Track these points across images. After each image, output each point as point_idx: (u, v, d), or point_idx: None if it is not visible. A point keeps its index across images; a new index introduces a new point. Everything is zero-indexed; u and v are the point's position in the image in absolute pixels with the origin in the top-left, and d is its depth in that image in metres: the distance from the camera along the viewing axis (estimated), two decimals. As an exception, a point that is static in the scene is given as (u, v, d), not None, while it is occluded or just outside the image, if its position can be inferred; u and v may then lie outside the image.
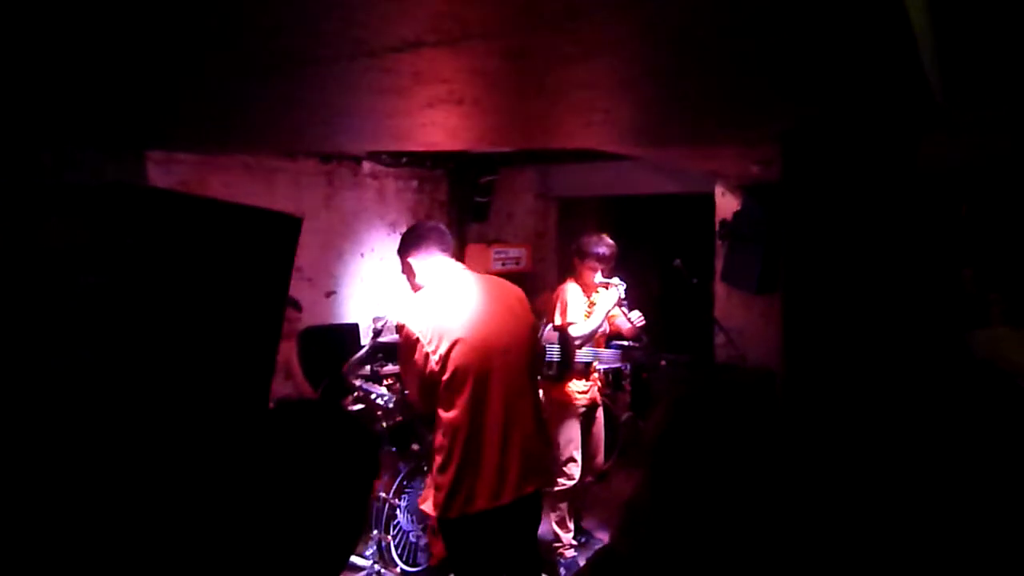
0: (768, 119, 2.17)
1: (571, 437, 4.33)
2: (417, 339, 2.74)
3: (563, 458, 4.29)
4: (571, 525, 4.43)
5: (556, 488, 4.28)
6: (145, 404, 2.11)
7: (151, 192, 2.60)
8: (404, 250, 2.99)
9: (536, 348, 3.03)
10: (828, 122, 2.26)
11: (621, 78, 1.63)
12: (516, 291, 3.02)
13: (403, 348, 2.81)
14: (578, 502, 4.52)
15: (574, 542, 4.45)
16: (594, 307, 4.33)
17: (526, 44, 1.37)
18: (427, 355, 2.72)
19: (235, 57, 1.48)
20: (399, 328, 2.80)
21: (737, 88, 1.75)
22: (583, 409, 4.38)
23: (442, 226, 3.04)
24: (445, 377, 2.73)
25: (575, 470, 4.32)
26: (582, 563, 4.32)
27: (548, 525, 4.36)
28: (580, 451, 4.35)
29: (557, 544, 4.38)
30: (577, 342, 4.21)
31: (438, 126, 2.12)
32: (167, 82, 1.67)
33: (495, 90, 1.71)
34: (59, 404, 1.98)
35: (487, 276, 3.06)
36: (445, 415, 2.77)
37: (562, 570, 4.32)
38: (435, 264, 2.93)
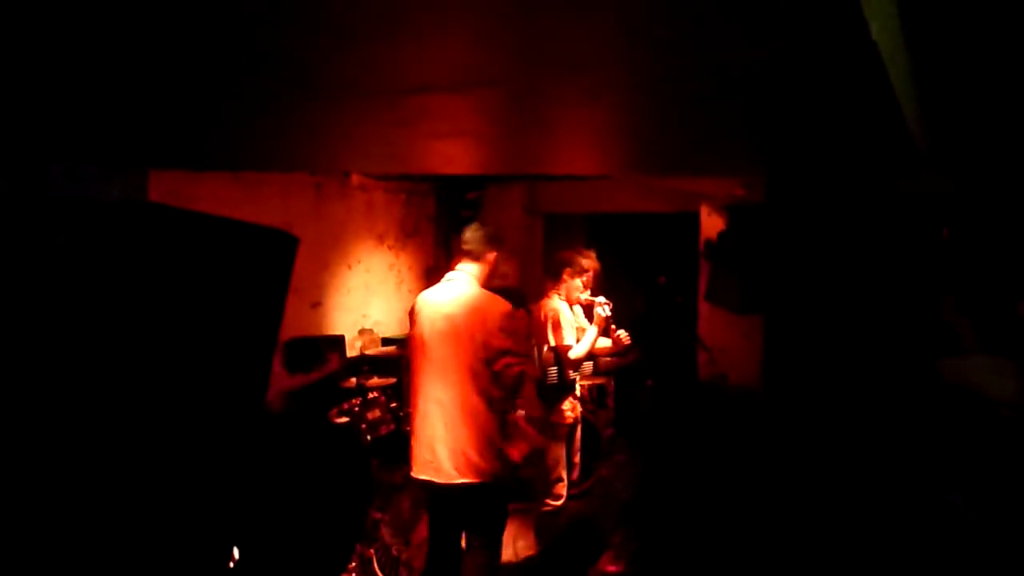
0: (754, 156, 2.24)
1: (558, 457, 4.37)
2: (408, 315, 3.30)
3: (551, 478, 4.33)
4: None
5: (544, 509, 4.33)
6: (139, 419, 2.14)
7: (153, 207, 2.63)
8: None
9: (489, 368, 3.15)
10: (811, 156, 2.34)
11: (616, 118, 1.70)
12: (492, 312, 3.13)
13: None
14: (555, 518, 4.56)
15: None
16: (581, 323, 4.40)
17: (529, 88, 1.43)
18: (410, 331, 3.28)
19: (249, 88, 1.53)
20: None
21: (724, 131, 1.82)
22: (568, 428, 4.43)
23: (479, 237, 3.26)
24: (409, 354, 3.28)
25: (563, 490, 4.36)
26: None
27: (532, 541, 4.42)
28: (566, 470, 4.40)
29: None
30: (576, 363, 4.25)
31: (439, 153, 2.18)
32: (180, 109, 1.72)
33: (497, 125, 1.78)
34: (53, 419, 2.01)
35: (475, 292, 3.21)
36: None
37: None
38: (457, 264, 3.32)
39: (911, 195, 4.28)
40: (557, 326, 4.24)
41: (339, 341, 5.84)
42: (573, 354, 4.20)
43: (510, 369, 3.18)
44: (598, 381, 5.12)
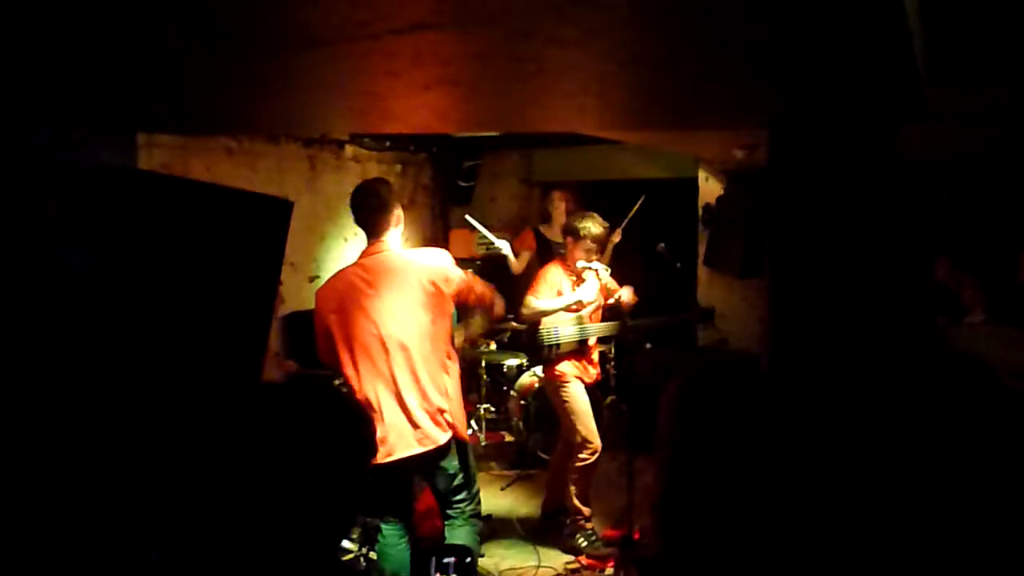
0: (757, 103, 2.20)
1: (584, 409, 4.39)
2: (320, 305, 3.22)
3: (583, 432, 4.34)
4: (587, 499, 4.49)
5: (579, 464, 4.34)
6: (136, 389, 2.11)
7: (143, 174, 2.58)
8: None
9: (438, 327, 3.25)
10: (815, 108, 2.29)
11: (616, 61, 1.65)
12: (426, 272, 3.21)
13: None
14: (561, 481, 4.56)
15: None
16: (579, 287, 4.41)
17: (527, 27, 1.38)
18: (324, 325, 3.20)
19: (234, 38, 1.48)
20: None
21: (729, 72, 1.77)
22: (587, 383, 4.48)
23: (373, 200, 3.25)
24: (336, 345, 3.20)
25: (596, 439, 4.37)
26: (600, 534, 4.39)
27: (569, 499, 4.43)
28: (594, 422, 4.42)
29: (578, 517, 4.43)
30: (525, 315, 4.37)
31: (431, 108, 2.13)
32: (164, 63, 1.66)
33: (492, 72, 1.73)
34: (48, 390, 1.98)
35: (397, 257, 3.25)
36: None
37: (582, 541, 4.38)
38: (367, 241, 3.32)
39: (911, 156, 4.23)
40: (533, 287, 4.37)
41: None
42: (530, 303, 4.35)
43: None
44: (599, 348, 5.11)
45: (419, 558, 3.14)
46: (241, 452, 1.64)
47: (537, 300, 4.31)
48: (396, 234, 3.26)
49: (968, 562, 1.34)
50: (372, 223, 3.21)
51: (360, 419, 1.53)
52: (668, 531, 1.33)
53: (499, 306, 3.45)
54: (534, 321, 4.36)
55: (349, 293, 3.17)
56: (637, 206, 5.69)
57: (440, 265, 3.23)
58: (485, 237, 6.02)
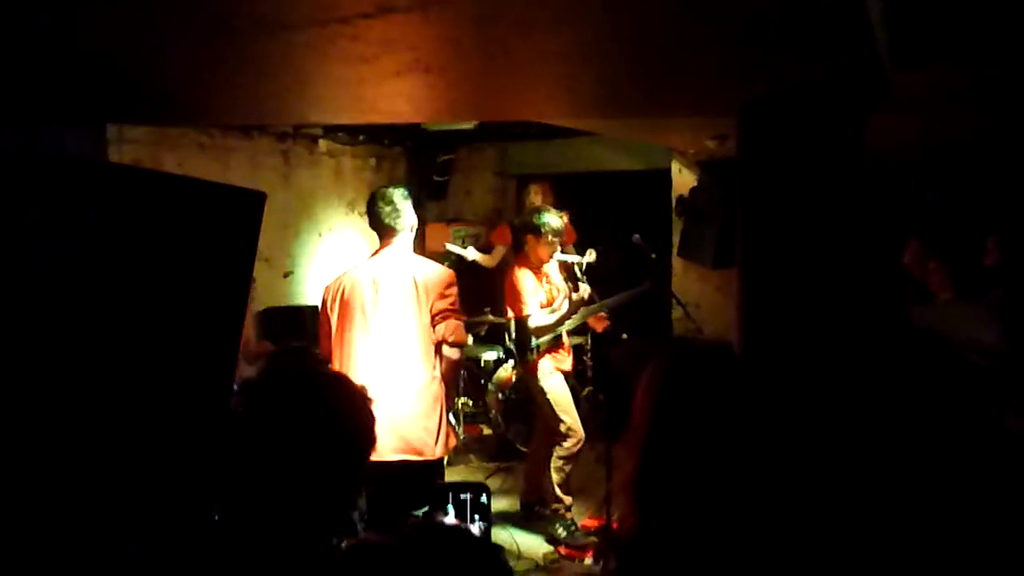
0: (726, 89, 2.22)
1: (566, 399, 4.43)
2: (324, 299, 3.38)
3: (567, 422, 4.37)
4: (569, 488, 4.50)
5: (563, 453, 4.36)
6: (109, 381, 2.10)
7: (114, 167, 2.56)
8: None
9: (427, 338, 3.28)
10: (783, 95, 2.32)
11: (586, 46, 1.67)
12: (425, 278, 3.26)
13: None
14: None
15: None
16: (551, 285, 4.45)
17: (495, 11, 1.39)
18: (326, 315, 3.35)
19: (202, 22, 1.48)
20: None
21: (697, 54, 1.80)
22: (565, 372, 4.54)
23: (386, 208, 3.32)
24: (333, 336, 3.31)
25: (579, 427, 4.41)
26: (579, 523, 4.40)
27: (550, 486, 4.45)
28: (576, 411, 4.46)
29: (557, 505, 4.45)
30: (539, 331, 4.36)
31: (404, 96, 2.13)
32: (131, 49, 1.66)
33: (462, 58, 1.74)
34: (19, 382, 1.96)
35: (401, 260, 3.32)
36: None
37: (561, 531, 4.40)
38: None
39: (880, 146, 4.29)
40: (516, 297, 4.36)
41: (313, 311, 5.80)
42: (532, 323, 4.34)
43: None
44: (576, 340, 5.14)
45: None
46: (228, 440, 1.63)
47: (536, 317, 4.36)
48: (405, 238, 3.34)
49: (936, 531, 1.37)
50: (384, 227, 3.32)
51: (356, 402, 1.52)
52: (643, 508, 1.35)
53: (460, 337, 3.40)
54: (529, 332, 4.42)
55: (349, 290, 3.27)
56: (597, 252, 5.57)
57: (443, 277, 3.32)
58: (459, 234, 6.10)
